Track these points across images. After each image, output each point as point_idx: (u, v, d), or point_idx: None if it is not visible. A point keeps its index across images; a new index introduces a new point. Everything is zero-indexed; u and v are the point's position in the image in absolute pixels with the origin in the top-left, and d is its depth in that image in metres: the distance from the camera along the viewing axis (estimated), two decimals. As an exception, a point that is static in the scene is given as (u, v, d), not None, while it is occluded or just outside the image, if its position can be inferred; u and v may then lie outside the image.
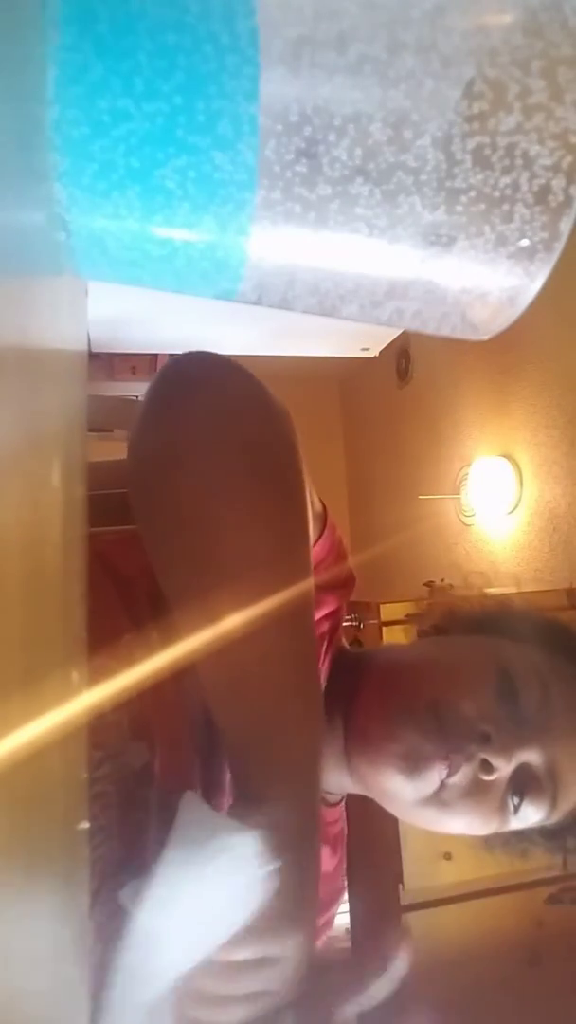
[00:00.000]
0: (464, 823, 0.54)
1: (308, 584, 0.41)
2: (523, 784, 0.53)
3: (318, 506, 0.58)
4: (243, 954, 0.35)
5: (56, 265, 0.21)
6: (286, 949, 0.35)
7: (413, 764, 0.52)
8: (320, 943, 0.66)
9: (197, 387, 0.44)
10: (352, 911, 1.44)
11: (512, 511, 2.68)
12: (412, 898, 1.50)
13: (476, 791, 0.52)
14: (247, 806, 0.36)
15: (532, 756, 0.53)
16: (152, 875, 0.31)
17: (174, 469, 0.40)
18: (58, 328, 0.24)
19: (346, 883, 0.69)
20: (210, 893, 0.32)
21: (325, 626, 0.61)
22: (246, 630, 0.36)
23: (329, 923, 0.67)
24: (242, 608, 0.36)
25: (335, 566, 0.60)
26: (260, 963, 0.35)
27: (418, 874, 1.51)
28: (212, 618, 0.35)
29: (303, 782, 0.39)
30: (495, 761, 0.51)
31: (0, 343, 0.14)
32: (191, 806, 0.34)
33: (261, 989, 0.36)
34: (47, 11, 0.17)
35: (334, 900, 0.67)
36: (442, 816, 0.53)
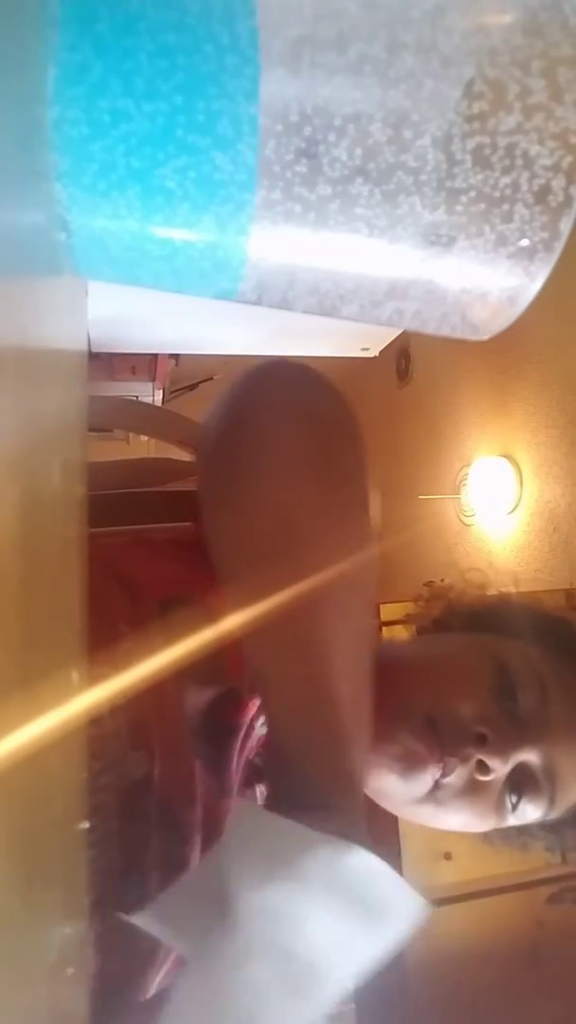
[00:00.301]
0: (461, 821, 0.54)
1: (373, 588, 0.42)
2: (521, 783, 0.53)
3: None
4: None
5: (56, 265, 0.21)
6: None
7: (407, 765, 0.52)
8: None
9: (279, 383, 0.46)
10: (352, 911, 1.44)
11: (512, 511, 2.68)
12: (412, 898, 1.49)
13: (472, 791, 0.52)
14: (314, 816, 0.34)
15: (530, 756, 0.53)
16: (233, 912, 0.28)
17: (256, 454, 0.41)
18: (58, 328, 0.24)
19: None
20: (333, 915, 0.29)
21: None
22: (318, 622, 0.36)
23: None
24: (313, 587, 0.36)
25: None
26: None
27: (418, 874, 1.51)
28: (284, 593, 0.35)
29: (359, 793, 0.38)
30: (491, 762, 0.50)
31: (0, 343, 0.14)
32: (252, 817, 0.31)
33: None
34: (47, 11, 0.17)
35: None
36: (438, 813, 0.53)
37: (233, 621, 0.34)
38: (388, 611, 1.87)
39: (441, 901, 1.51)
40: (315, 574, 0.36)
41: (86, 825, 0.28)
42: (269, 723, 0.39)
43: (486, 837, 0.61)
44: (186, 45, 0.18)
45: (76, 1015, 0.25)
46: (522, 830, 0.59)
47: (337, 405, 0.46)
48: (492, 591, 0.74)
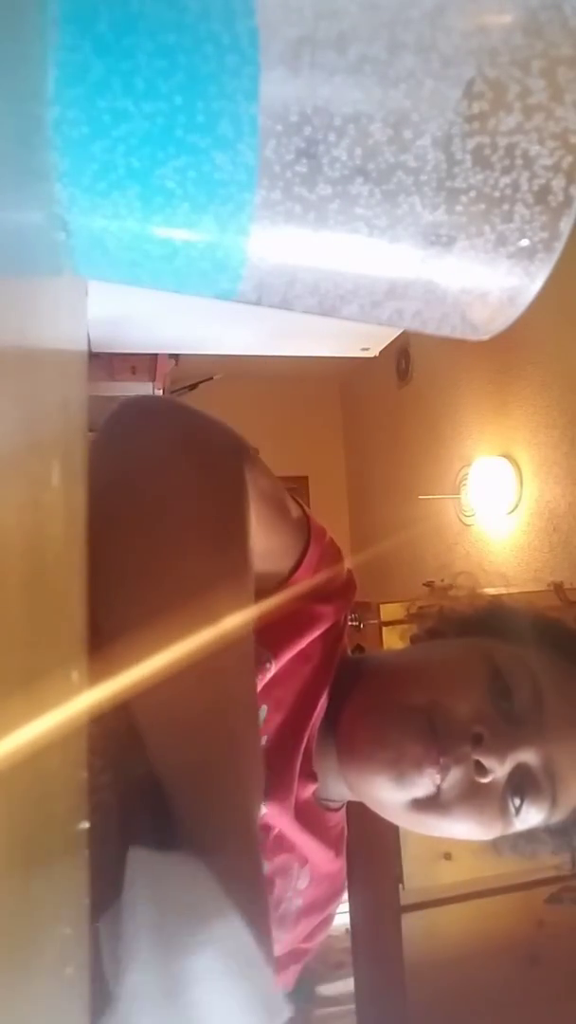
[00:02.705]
0: (465, 828, 0.53)
1: (248, 619, 0.40)
2: (522, 785, 0.52)
3: (296, 512, 0.57)
4: None
5: (56, 265, 0.21)
6: None
7: (402, 768, 0.51)
8: (317, 944, 0.66)
9: (145, 423, 0.45)
10: (352, 911, 1.44)
11: (512, 511, 2.68)
12: (412, 898, 1.50)
13: (473, 794, 0.51)
14: (209, 858, 0.34)
15: (528, 756, 0.52)
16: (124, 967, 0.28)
17: (124, 499, 0.40)
18: (58, 328, 0.24)
19: (346, 883, 0.69)
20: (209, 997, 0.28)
21: (318, 643, 0.60)
22: (190, 668, 0.34)
23: (327, 922, 0.67)
24: (182, 635, 0.35)
25: (330, 572, 0.59)
26: None
27: (418, 874, 1.51)
28: (152, 648, 0.34)
29: (251, 836, 0.38)
30: (488, 762, 0.50)
31: (0, 343, 0.14)
32: (143, 867, 0.31)
33: None
34: (47, 11, 0.17)
35: (334, 896, 0.67)
36: (442, 821, 0.53)
37: (121, 679, 0.33)
38: (388, 611, 1.87)
39: (441, 901, 1.51)
40: (192, 626, 0.35)
41: (86, 825, 0.28)
42: (158, 772, 0.38)
43: (495, 846, 0.61)
44: (186, 45, 0.18)
45: (76, 1015, 0.25)
46: (530, 837, 0.58)
47: (200, 445, 0.45)
48: (483, 593, 0.74)
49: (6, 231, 0.15)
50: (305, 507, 0.60)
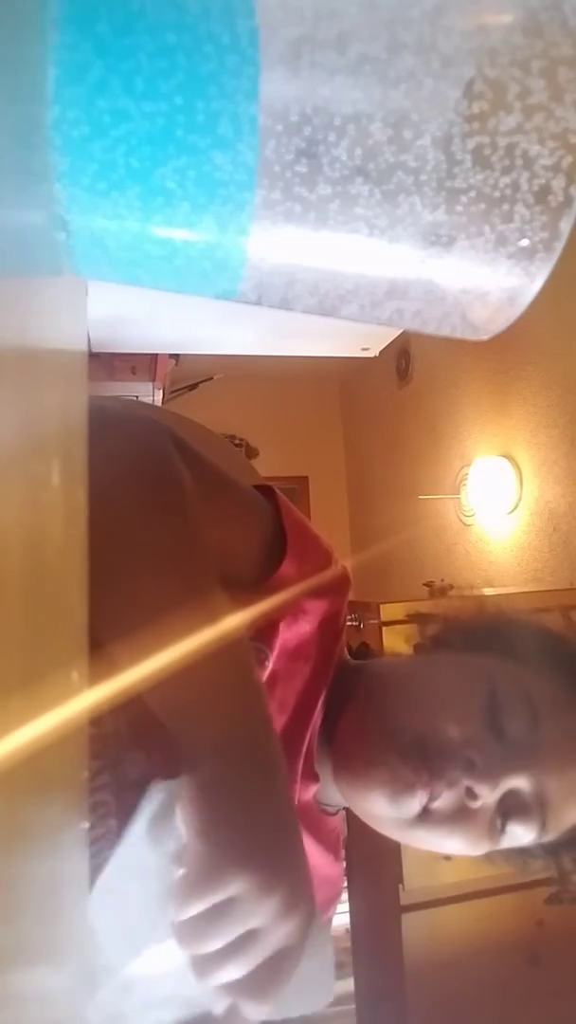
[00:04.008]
0: (453, 846, 0.54)
1: (236, 623, 0.41)
2: (511, 809, 0.53)
3: (252, 494, 0.57)
4: (190, 909, 0.34)
5: (56, 265, 0.21)
6: (237, 887, 0.35)
7: (394, 789, 0.52)
8: None
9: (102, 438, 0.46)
10: (352, 911, 1.44)
11: (512, 511, 2.68)
12: (412, 898, 1.50)
13: (462, 816, 0.52)
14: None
15: (520, 782, 0.52)
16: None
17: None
18: (58, 328, 0.24)
19: (346, 884, 0.69)
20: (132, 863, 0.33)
21: (315, 642, 0.60)
22: (170, 664, 0.36)
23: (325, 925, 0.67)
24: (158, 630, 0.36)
25: (315, 560, 0.58)
26: (218, 911, 0.34)
27: (418, 874, 1.51)
28: (139, 655, 0.36)
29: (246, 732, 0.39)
30: (478, 789, 0.50)
31: (0, 343, 0.14)
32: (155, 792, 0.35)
33: (240, 932, 0.35)
34: (47, 11, 0.17)
35: (332, 901, 0.67)
36: (430, 837, 0.53)
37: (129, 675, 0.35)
38: (388, 611, 1.87)
39: (441, 901, 1.51)
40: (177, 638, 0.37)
41: (86, 825, 0.28)
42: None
43: (488, 857, 0.61)
44: (186, 45, 0.18)
45: (76, 1015, 0.25)
46: (521, 850, 0.58)
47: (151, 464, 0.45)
48: (489, 603, 0.73)
49: (6, 231, 0.15)
50: (278, 492, 0.59)
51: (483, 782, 0.50)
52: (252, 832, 0.36)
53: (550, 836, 0.55)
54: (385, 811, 0.53)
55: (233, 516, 0.56)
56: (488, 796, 0.51)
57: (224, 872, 0.34)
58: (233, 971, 0.35)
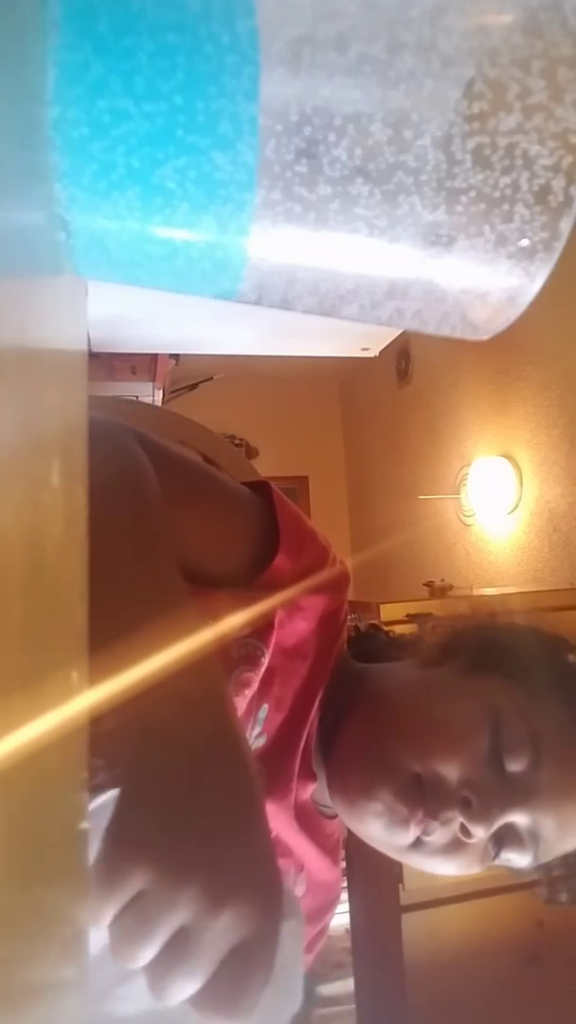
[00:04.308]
0: (445, 870, 0.54)
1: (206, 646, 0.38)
2: (504, 841, 0.53)
3: (234, 482, 0.57)
4: (103, 916, 0.30)
5: (56, 265, 0.21)
6: (139, 879, 0.30)
7: (389, 821, 0.52)
8: (314, 956, 0.66)
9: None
10: (352, 911, 1.44)
11: (512, 511, 2.68)
12: (412, 898, 1.50)
13: (454, 848, 0.52)
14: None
15: (516, 818, 0.52)
16: None
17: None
18: (58, 328, 0.24)
19: (346, 883, 0.70)
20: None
21: (313, 640, 0.59)
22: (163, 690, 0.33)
23: (323, 934, 0.67)
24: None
25: (311, 556, 0.58)
26: (131, 912, 0.30)
27: (418, 874, 1.51)
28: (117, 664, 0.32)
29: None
30: (473, 828, 0.50)
31: (0, 343, 0.14)
32: None
33: (165, 932, 0.30)
34: (47, 11, 0.17)
35: (329, 907, 0.67)
36: (424, 862, 0.54)
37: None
38: (388, 611, 1.87)
39: (441, 901, 1.51)
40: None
41: (86, 825, 0.28)
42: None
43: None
44: (186, 45, 0.18)
45: (76, 1015, 0.25)
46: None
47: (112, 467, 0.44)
48: (499, 617, 0.71)
49: (6, 231, 0.15)
50: (274, 488, 0.59)
51: (478, 822, 0.50)
52: (160, 819, 0.32)
53: (541, 862, 0.55)
54: (381, 838, 0.54)
55: (217, 511, 0.56)
56: (482, 834, 0.51)
57: (121, 865, 0.30)
58: (185, 981, 0.30)
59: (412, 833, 0.51)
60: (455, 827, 0.51)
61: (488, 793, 0.51)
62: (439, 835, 0.51)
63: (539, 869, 0.59)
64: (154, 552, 0.42)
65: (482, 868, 0.54)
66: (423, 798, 0.51)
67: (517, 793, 0.52)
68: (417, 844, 0.52)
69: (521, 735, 0.53)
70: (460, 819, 0.50)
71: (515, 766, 0.52)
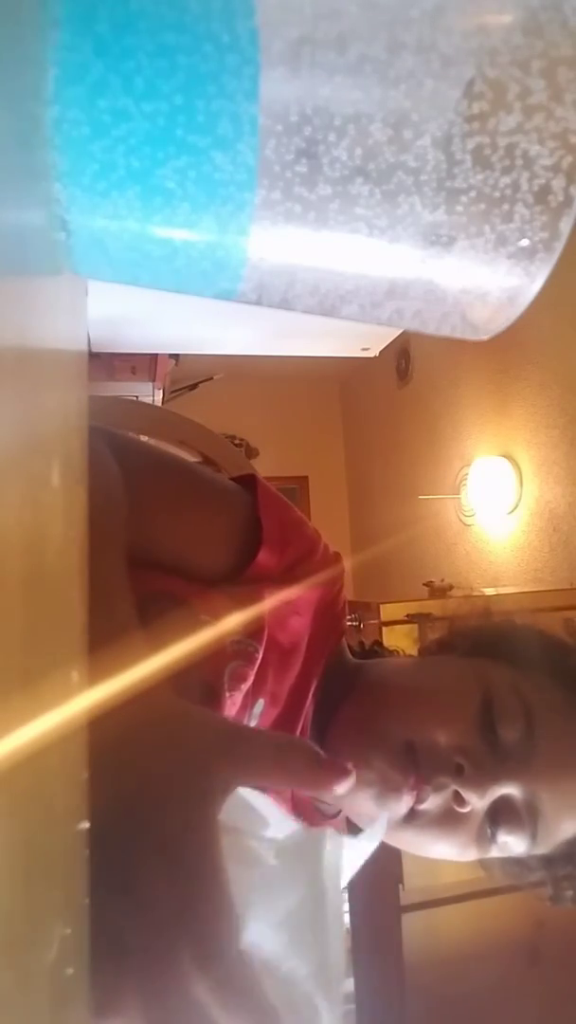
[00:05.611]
0: (441, 850, 0.53)
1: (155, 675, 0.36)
2: (499, 817, 0.52)
3: (219, 477, 0.56)
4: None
5: (56, 265, 0.21)
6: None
7: (381, 790, 0.52)
8: None
9: None
10: (352, 911, 1.44)
11: (512, 511, 2.68)
12: (412, 898, 1.50)
13: (450, 820, 0.52)
14: None
15: (511, 790, 0.52)
16: None
17: None
18: (58, 328, 0.24)
19: (345, 885, 0.70)
20: None
21: (303, 624, 0.59)
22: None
23: None
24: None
25: (297, 548, 0.58)
26: None
27: (418, 874, 1.51)
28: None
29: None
30: (467, 794, 0.50)
31: (0, 343, 0.14)
32: None
33: None
34: (47, 11, 0.17)
35: None
36: (419, 840, 0.53)
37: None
38: (388, 611, 1.87)
39: (441, 901, 1.51)
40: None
41: (86, 825, 0.28)
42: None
43: (484, 865, 0.61)
44: (186, 45, 0.18)
45: (76, 1016, 0.25)
46: (517, 861, 0.58)
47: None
48: (496, 610, 0.72)
49: (6, 231, 0.15)
50: (260, 481, 0.59)
51: (471, 788, 0.50)
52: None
53: (543, 849, 0.54)
54: (372, 811, 0.53)
55: (196, 509, 0.55)
56: (476, 802, 0.51)
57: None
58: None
59: (405, 802, 0.51)
60: (448, 795, 0.51)
61: (481, 760, 0.51)
62: (432, 803, 0.51)
63: (544, 868, 0.59)
64: (101, 572, 0.39)
65: (480, 854, 0.54)
66: (416, 764, 0.51)
67: (512, 763, 0.51)
68: (410, 817, 0.52)
69: (514, 705, 0.53)
70: (453, 786, 0.50)
71: (508, 736, 0.52)
